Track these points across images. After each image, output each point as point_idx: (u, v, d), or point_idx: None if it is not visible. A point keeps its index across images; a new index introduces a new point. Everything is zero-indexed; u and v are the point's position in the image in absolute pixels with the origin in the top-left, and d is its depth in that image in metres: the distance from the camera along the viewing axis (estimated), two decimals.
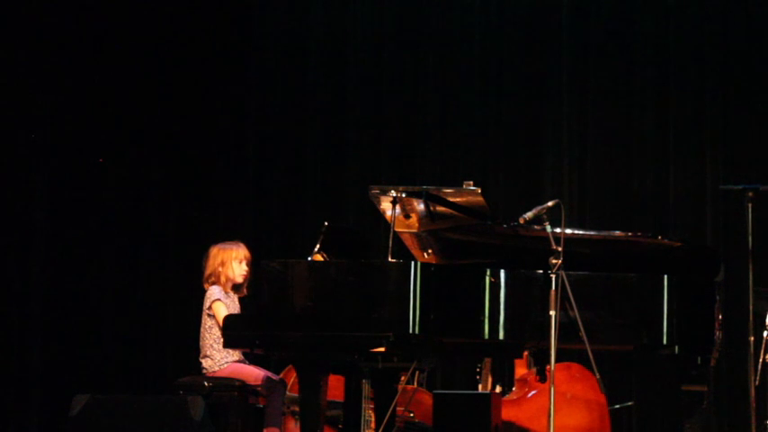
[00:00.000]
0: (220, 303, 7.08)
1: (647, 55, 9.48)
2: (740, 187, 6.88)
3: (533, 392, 7.73)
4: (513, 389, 7.96)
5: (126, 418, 6.64)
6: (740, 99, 9.33)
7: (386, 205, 6.49)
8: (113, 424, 6.62)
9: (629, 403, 8.60)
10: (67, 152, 9.98)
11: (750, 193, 6.77)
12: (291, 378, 7.31)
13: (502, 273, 6.25)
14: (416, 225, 6.72)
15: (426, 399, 7.63)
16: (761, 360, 7.36)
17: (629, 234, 6.83)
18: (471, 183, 6.38)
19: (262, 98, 10.04)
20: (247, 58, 10.09)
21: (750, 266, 6.79)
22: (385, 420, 6.64)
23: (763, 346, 7.40)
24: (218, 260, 7.20)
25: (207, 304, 7.14)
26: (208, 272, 7.20)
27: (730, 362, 8.55)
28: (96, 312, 9.87)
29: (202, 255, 7.27)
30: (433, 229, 6.72)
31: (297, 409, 7.00)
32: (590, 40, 9.58)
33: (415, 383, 7.79)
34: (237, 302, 7.23)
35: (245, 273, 7.20)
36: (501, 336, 6.22)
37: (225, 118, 10.03)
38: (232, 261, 7.19)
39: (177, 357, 9.51)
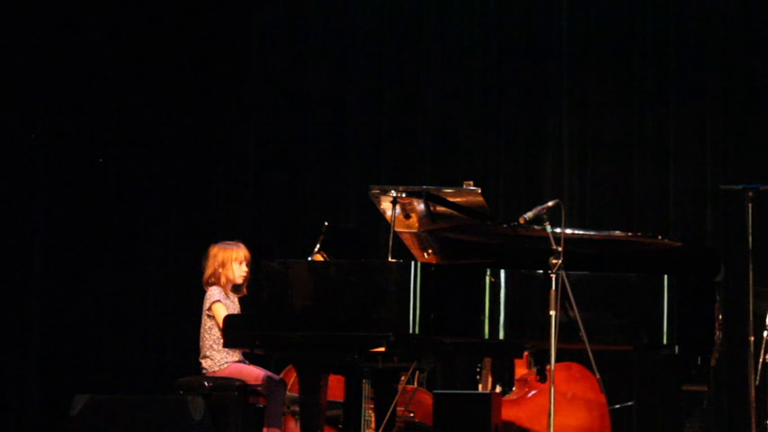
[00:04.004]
0: (220, 305, 7.08)
1: (647, 55, 9.48)
2: (740, 187, 6.89)
3: (533, 392, 7.73)
4: (513, 389, 7.96)
5: (126, 418, 6.64)
6: (740, 99, 9.33)
7: (386, 205, 6.49)
8: (113, 424, 6.62)
9: (629, 403, 8.60)
10: (67, 152, 9.98)
11: (750, 193, 6.78)
12: (291, 378, 7.31)
13: (502, 273, 6.26)
14: (416, 225, 6.72)
15: (426, 399, 7.63)
16: (761, 360, 7.36)
17: (630, 234, 6.83)
18: (471, 183, 6.39)
19: (262, 98, 10.04)
20: (247, 58, 10.09)
21: (750, 266, 6.80)
22: (385, 420, 6.65)
23: (763, 346, 7.40)
24: (219, 261, 7.20)
25: (206, 305, 7.14)
26: (208, 272, 7.20)
27: (730, 362, 8.55)
28: (96, 312, 9.87)
29: (202, 255, 7.27)
30: (433, 229, 6.72)
31: (297, 409, 7.00)
32: (590, 40, 9.58)
33: (415, 383, 7.79)
34: (237, 303, 7.23)
35: (245, 274, 7.20)
36: (501, 336, 6.22)
37: (225, 118, 10.03)
38: (232, 262, 7.19)
39: (177, 357, 9.51)
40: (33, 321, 9.87)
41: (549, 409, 6.12)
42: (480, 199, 6.40)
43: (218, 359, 7.08)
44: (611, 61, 9.54)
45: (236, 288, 7.23)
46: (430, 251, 6.88)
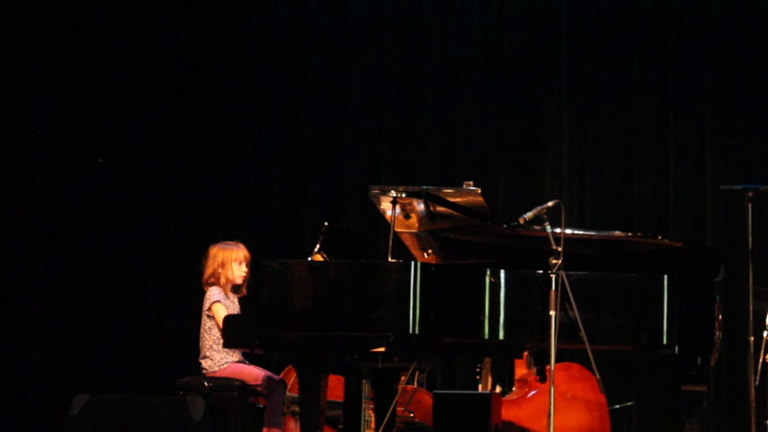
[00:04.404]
0: (220, 305, 7.07)
1: (647, 54, 9.48)
2: (740, 187, 6.90)
3: (533, 392, 7.73)
4: (513, 389, 7.96)
5: (126, 418, 6.64)
6: (740, 99, 9.33)
7: (386, 205, 6.49)
8: (113, 424, 6.62)
9: (629, 403, 8.60)
10: (67, 152, 9.98)
11: (750, 193, 6.78)
12: (291, 378, 7.31)
13: (502, 273, 6.26)
14: (416, 225, 6.72)
15: (426, 399, 7.63)
16: (761, 360, 7.36)
17: (629, 234, 6.83)
18: (471, 183, 6.39)
19: (262, 98, 10.04)
20: (248, 58, 10.09)
21: (750, 266, 6.80)
22: (385, 420, 6.65)
23: (763, 346, 7.40)
24: (218, 261, 7.19)
25: (206, 306, 7.14)
26: (208, 273, 7.20)
27: (730, 362, 8.56)
28: (96, 312, 9.86)
29: (202, 255, 7.27)
30: (432, 229, 6.72)
31: (297, 409, 7.00)
32: (590, 39, 9.58)
33: (415, 383, 7.79)
34: (237, 303, 7.22)
35: (244, 274, 7.19)
36: (501, 336, 6.23)
37: (225, 118, 10.03)
38: (232, 262, 7.19)
39: (177, 357, 9.50)
40: (33, 321, 9.86)
41: (549, 409, 6.12)
42: (480, 199, 6.40)
43: (218, 359, 7.08)
44: (611, 61, 9.54)
45: (235, 288, 7.23)
46: (430, 251, 6.88)
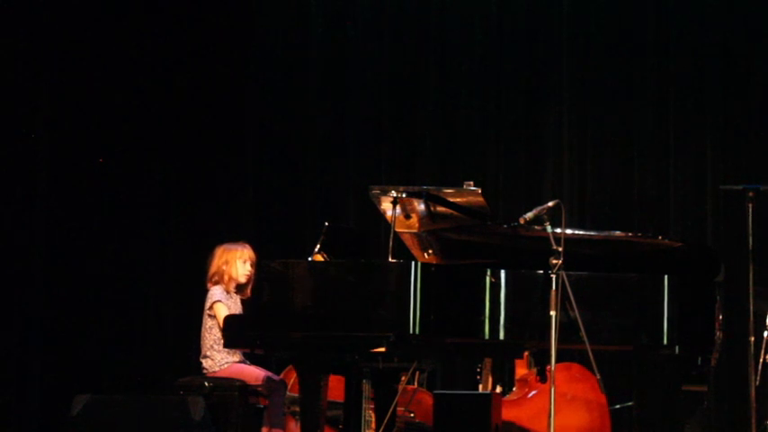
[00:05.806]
0: (221, 304, 7.08)
1: (647, 55, 9.48)
2: (740, 187, 6.90)
3: (534, 393, 7.73)
4: (514, 389, 7.97)
5: (126, 418, 6.65)
6: (740, 99, 9.33)
7: (386, 205, 6.49)
8: (113, 424, 6.63)
9: (629, 403, 8.60)
10: (67, 152, 9.97)
11: (750, 193, 6.79)
12: (292, 378, 7.32)
13: (502, 273, 6.26)
14: (417, 225, 6.73)
15: (426, 399, 7.63)
16: (761, 360, 7.37)
17: (630, 234, 6.83)
18: (471, 183, 6.39)
19: (262, 98, 10.04)
20: (247, 58, 10.08)
21: (750, 266, 6.80)
22: (385, 420, 6.65)
23: (764, 346, 7.40)
24: (223, 259, 7.21)
25: (208, 305, 7.15)
26: (212, 271, 7.21)
27: (730, 362, 8.55)
28: (96, 312, 9.86)
29: (202, 255, 7.27)
30: (433, 229, 6.72)
31: (297, 409, 7.00)
32: (590, 39, 9.58)
33: (416, 383, 7.79)
34: (239, 304, 7.22)
35: (248, 273, 7.20)
36: (501, 336, 6.23)
37: (225, 118, 10.02)
38: (236, 260, 7.20)
39: (177, 357, 9.50)
40: (34, 321, 9.86)
41: (550, 409, 6.12)
42: (480, 199, 6.40)
43: (219, 359, 7.09)
44: (612, 61, 9.54)
45: (239, 288, 7.23)
46: (430, 251, 6.88)
